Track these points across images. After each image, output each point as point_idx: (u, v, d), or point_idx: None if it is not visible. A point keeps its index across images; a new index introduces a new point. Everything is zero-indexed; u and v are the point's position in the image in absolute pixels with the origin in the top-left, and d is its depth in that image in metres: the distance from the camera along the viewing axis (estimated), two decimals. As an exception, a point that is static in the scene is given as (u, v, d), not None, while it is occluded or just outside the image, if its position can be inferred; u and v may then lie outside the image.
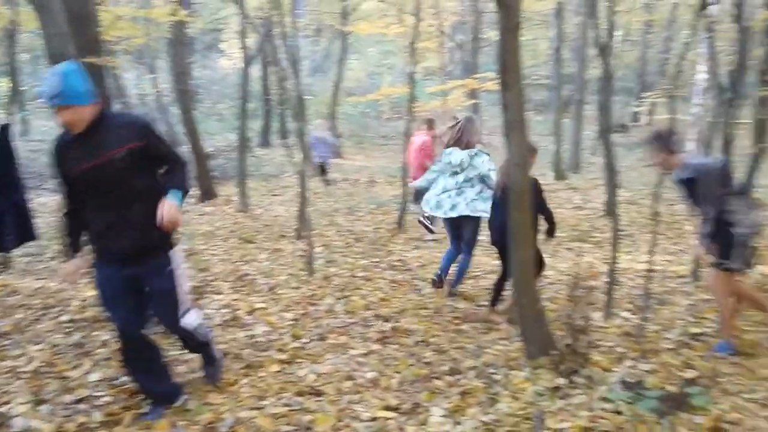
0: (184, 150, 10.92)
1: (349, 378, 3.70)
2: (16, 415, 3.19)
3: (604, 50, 7.49)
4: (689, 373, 3.56)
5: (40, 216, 7.40)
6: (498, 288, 4.79)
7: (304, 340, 4.35)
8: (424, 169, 7.88)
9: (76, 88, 2.85)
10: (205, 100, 25.52)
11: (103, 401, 3.39)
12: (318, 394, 3.49)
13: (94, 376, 3.68)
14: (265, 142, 19.64)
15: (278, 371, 3.81)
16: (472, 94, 15.66)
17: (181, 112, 11.69)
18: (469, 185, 5.23)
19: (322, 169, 12.70)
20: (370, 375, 3.74)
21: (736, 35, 4.70)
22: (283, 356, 4.04)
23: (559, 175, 14.01)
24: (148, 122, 3.14)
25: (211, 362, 3.62)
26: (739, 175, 4.50)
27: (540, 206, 4.44)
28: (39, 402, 3.36)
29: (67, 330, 4.51)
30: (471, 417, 3.12)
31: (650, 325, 4.35)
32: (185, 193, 3.11)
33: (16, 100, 17.95)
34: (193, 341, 3.41)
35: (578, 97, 15.08)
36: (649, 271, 4.20)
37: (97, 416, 3.22)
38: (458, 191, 5.23)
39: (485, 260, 6.27)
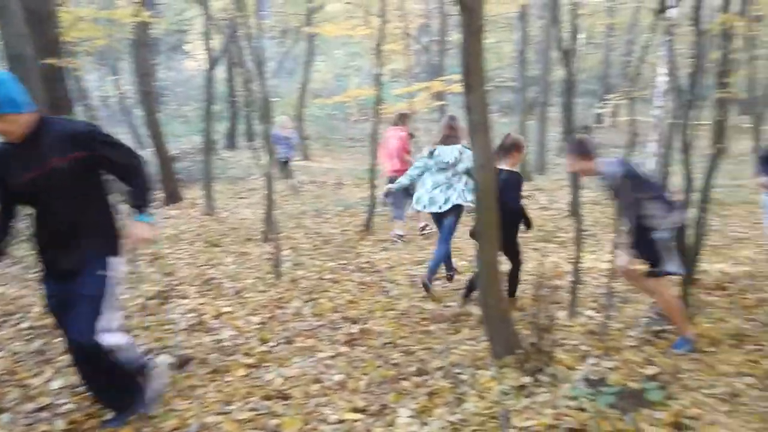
0: (149, 153, 10.79)
1: (317, 381, 3.70)
2: (-25, 426, 3.11)
3: (568, 53, 7.64)
4: (650, 370, 3.63)
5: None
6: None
7: (271, 344, 4.33)
8: (404, 161, 7.92)
9: (11, 95, 2.74)
10: (170, 102, 25.14)
11: (66, 409, 3.33)
12: (285, 397, 3.48)
13: (56, 384, 3.62)
14: (231, 145, 19.45)
15: (245, 375, 3.79)
16: (439, 95, 15.74)
17: (145, 115, 11.53)
18: (457, 179, 5.56)
19: (285, 166, 12.58)
20: (337, 377, 3.73)
21: (694, 38, 4.82)
22: (250, 360, 4.02)
23: (525, 176, 14.11)
24: (94, 130, 3.01)
25: (133, 395, 3.16)
26: (698, 175, 4.60)
27: (516, 199, 4.75)
28: (0, 411, 3.29)
29: (28, 337, 4.42)
30: (438, 417, 3.14)
31: (614, 323, 4.43)
32: (151, 202, 3.04)
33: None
34: (106, 364, 2.92)
35: (543, 100, 15.24)
36: (613, 270, 4.29)
37: (60, 424, 3.16)
38: (448, 185, 5.55)
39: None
